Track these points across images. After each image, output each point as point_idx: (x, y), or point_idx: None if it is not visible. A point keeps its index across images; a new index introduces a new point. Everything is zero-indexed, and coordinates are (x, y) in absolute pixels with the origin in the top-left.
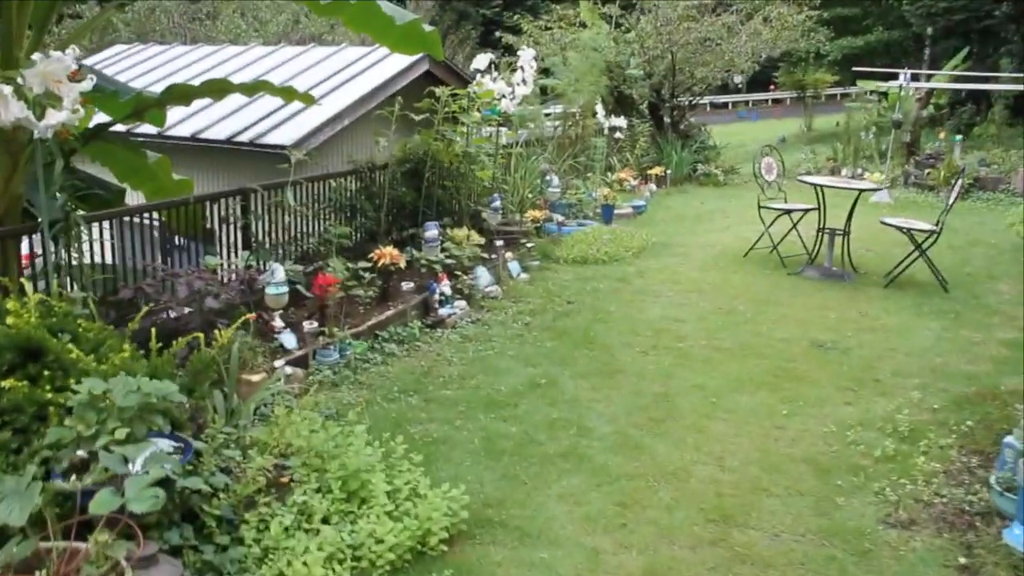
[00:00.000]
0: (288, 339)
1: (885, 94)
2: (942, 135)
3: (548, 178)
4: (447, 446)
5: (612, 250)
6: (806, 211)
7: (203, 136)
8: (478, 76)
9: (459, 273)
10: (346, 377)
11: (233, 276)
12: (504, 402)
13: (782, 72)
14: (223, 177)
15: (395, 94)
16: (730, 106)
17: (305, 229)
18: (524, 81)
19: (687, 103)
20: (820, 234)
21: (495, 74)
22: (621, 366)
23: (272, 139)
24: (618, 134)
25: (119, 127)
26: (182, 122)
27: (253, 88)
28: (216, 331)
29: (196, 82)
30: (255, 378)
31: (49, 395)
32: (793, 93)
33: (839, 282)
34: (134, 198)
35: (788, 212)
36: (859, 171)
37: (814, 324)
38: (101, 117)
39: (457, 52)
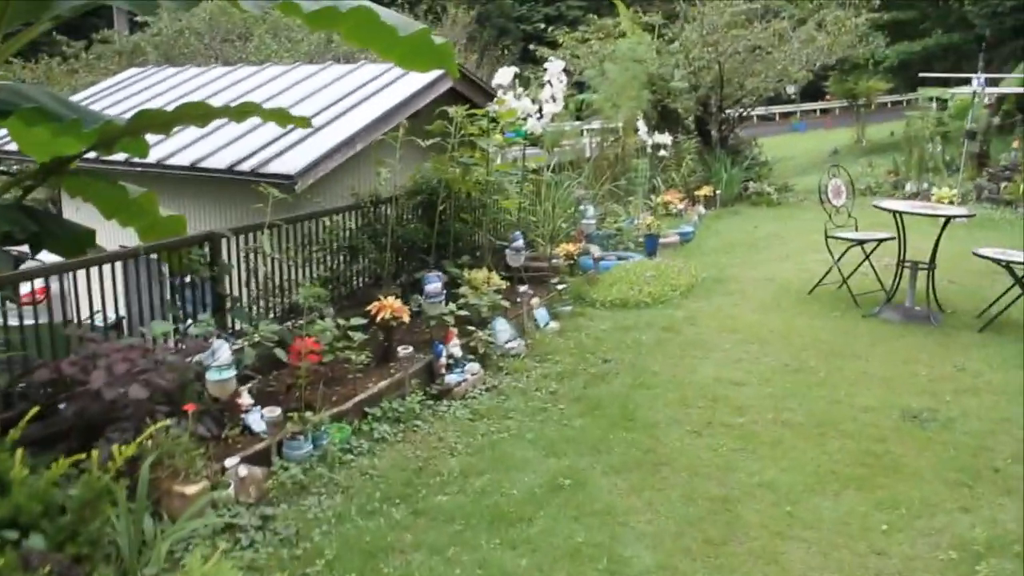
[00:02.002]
0: (256, 421)
1: (945, 101)
2: (1015, 144)
3: (582, 207)
4: None
5: (657, 290)
6: (881, 241)
7: (203, 165)
8: (500, 93)
9: (473, 328)
10: (319, 476)
11: (177, 347)
12: (515, 515)
13: (833, 80)
14: (226, 210)
15: (416, 114)
16: (777, 117)
17: (295, 277)
18: (553, 98)
19: (736, 116)
20: (900, 268)
21: (520, 90)
22: (668, 454)
23: (276, 167)
24: (662, 152)
25: (117, 157)
26: (184, 149)
27: (239, 112)
28: (116, 448)
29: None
30: (191, 489)
31: None
32: (843, 102)
33: (924, 325)
34: (123, 236)
35: (861, 243)
36: (925, 186)
37: (902, 385)
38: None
39: (495, 68)
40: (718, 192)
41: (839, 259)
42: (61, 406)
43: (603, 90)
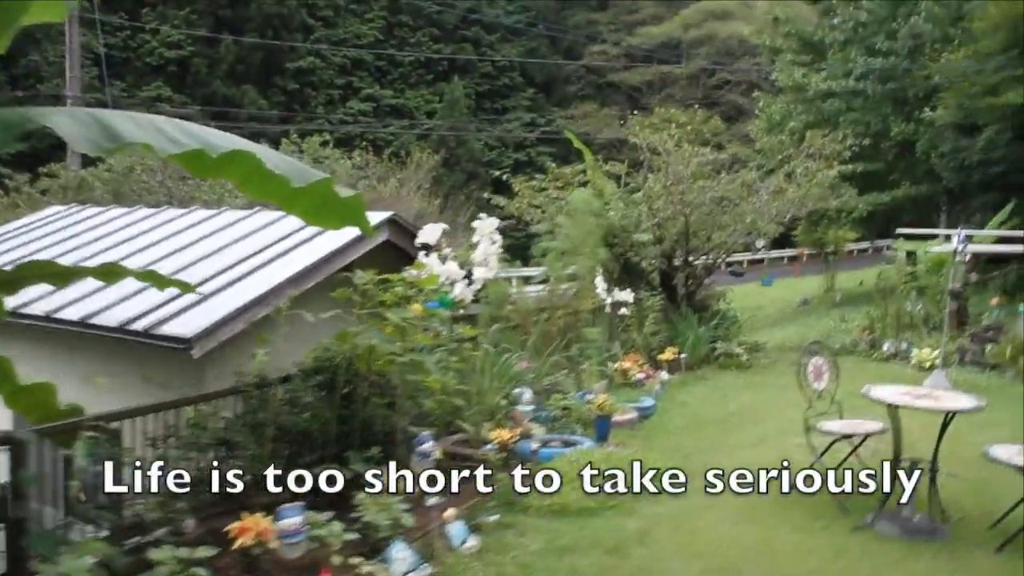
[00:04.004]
0: None
1: (914, 253)
2: (994, 302)
3: (518, 391)
4: None
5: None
6: (870, 435)
7: (95, 321)
8: (421, 255)
9: (359, 558)
10: None
11: None
12: None
13: (801, 230)
14: (120, 375)
15: (351, 266)
16: (745, 264)
17: (145, 482)
18: (486, 261)
19: (703, 270)
20: (895, 466)
21: (448, 251)
22: None
23: (172, 328)
24: (623, 310)
25: None
26: (80, 300)
27: (104, 273)
28: None
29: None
30: None
31: None
32: (811, 250)
33: (930, 541)
34: None
35: (848, 437)
36: (903, 346)
37: None
38: None
39: (458, 214)
40: (683, 355)
41: (822, 454)
42: None
43: (554, 246)
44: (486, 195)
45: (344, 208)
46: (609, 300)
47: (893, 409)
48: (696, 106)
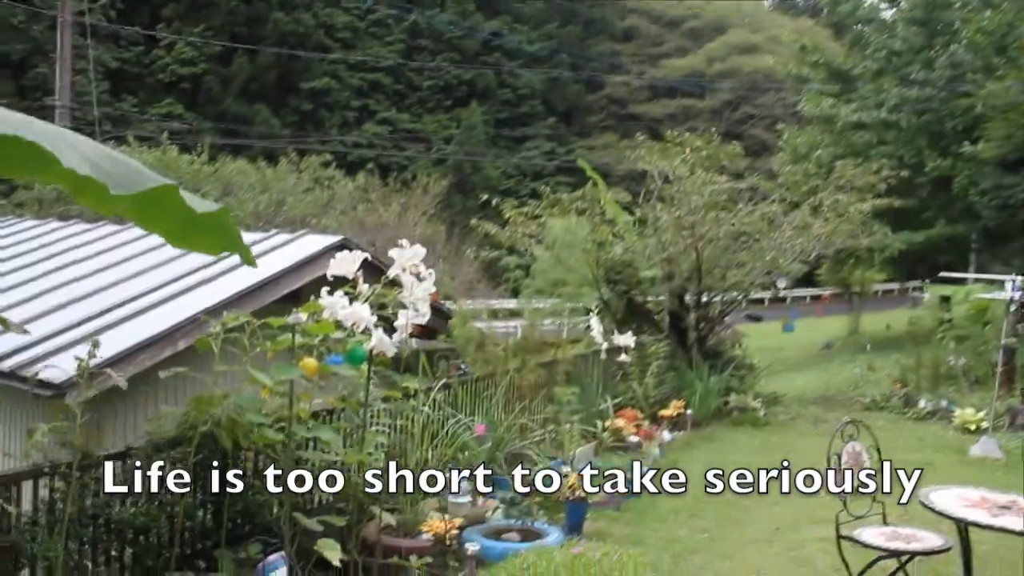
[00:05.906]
0: None
1: (948, 298)
2: None
3: (454, 475)
4: None
5: None
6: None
7: None
8: (323, 295)
9: None
10: None
11: None
12: None
13: (825, 269)
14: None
15: (297, 295)
16: (766, 302)
17: None
18: (415, 305)
19: (718, 313)
20: None
21: (364, 288)
22: None
23: (46, 370)
24: (624, 356)
25: None
26: None
27: None
28: None
29: None
30: None
31: None
32: (835, 289)
33: None
34: None
35: (896, 554)
36: (943, 403)
37: None
38: None
39: (465, 241)
40: (689, 410)
41: (862, 572)
42: None
43: (529, 283)
44: (472, 221)
45: (212, 226)
46: (605, 345)
47: (962, 527)
48: (714, 130)
